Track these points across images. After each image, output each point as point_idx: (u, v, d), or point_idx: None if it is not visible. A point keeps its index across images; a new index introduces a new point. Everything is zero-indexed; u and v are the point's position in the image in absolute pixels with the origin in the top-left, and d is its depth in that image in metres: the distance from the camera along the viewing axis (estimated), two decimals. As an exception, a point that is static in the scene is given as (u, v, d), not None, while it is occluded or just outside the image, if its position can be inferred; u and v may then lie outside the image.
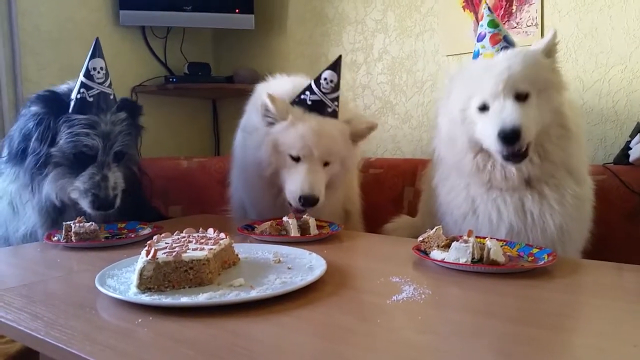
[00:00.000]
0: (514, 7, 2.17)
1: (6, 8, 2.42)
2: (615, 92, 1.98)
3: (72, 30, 2.64)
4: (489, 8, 1.43)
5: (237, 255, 1.11)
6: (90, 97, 1.55)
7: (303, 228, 1.41)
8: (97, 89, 1.56)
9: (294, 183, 1.54)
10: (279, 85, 1.70)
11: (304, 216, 1.44)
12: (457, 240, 1.09)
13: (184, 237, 1.07)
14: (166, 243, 1.00)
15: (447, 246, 1.11)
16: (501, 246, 1.09)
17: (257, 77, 2.54)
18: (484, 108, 1.30)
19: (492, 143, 1.27)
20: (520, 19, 2.16)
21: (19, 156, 1.55)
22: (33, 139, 1.53)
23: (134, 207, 1.72)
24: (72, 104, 1.54)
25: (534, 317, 0.81)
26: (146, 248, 0.94)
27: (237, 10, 2.93)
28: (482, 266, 1.03)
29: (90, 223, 1.39)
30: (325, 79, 1.60)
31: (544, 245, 1.25)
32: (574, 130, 1.33)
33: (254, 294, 0.87)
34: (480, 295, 0.93)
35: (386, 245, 1.44)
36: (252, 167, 1.65)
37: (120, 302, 0.87)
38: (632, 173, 1.68)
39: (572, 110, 1.37)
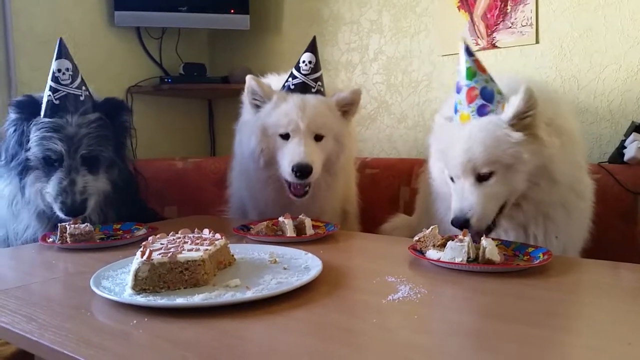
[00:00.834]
0: (508, 7, 2.18)
1: (0, 9, 2.40)
2: (609, 92, 1.99)
3: (67, 31, 2.62)
4: (467, 49, 1.30)
5: (232, 255, 1.11)
6: (56, 99, 1.53)
7: (299, 228, 1.41)
8: (63, 91, 1.53)
9: (287, 157, 1.56)
10: (269, 82, 1.72)
11: (300, 216, 1.43)
12: (453, 240, 1.09)
13: (180, 237, 1.06)
14: (161, 244, 1.00)
15: (442, 245, 1.11)
16: (497, 245, 1.09)
17: (252, 78, 2.54)
18: (452, 180, 1.33)
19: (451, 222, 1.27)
20: (515, 19, 2.16)
21: (10, 160, 1.56)
22: (12, 144, 1.53)
23: (130, 209, 1.71)
24: (42, 107, 1.53)
25: (530, 315, 0.81)
26: (141, 249, 0.94)
27: (232, 11, 2.92)
28: (477, 265, 1.03)
29: (86, 224, 1.38)
30: (303, 61, 1.65)
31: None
32: (560, 179, 1.26)
33: (250, 294, 0.87)
34: (476, 294, 0.93)
35: (382, 244, 1.44)
36: (249, 161, 1.66)
37: (116, 304, 0.87)
38: (627, 172, 1.69)
39: (567, 117, 1.35)
